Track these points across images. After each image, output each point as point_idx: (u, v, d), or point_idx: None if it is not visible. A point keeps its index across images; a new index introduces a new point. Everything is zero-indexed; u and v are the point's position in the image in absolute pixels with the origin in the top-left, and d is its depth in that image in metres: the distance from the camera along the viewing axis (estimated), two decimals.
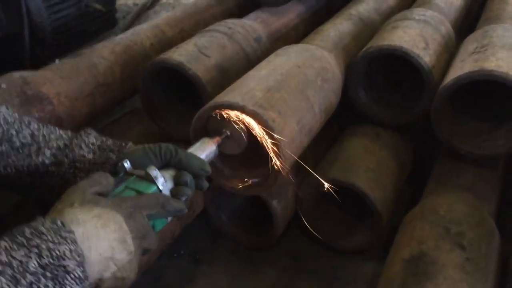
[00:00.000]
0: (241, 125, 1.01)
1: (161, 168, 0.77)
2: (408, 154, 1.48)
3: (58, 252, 0.55)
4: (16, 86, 1.19)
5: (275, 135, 1.03)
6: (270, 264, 1.41)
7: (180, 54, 1.31)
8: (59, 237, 0.56)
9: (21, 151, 0.79)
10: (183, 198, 0.75)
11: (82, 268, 0.56)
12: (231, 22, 1.54)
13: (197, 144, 0.90)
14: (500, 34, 1.38)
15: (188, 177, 0.77)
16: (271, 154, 1.05)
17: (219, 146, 0.93)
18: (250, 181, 1.14)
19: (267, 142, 1.04)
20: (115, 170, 0.76)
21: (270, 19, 1.69)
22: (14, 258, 0.53)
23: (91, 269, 0.58)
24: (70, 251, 0.56)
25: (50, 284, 0.54)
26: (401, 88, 1.51)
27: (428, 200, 1.23)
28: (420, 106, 1.38)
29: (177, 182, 0.76)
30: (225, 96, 1.09)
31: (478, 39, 1.40)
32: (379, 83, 1.50)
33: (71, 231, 0.58)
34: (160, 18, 1.73)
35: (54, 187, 0.80)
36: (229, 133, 1.00)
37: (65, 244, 0.56)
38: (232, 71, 1.39)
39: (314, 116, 1.20)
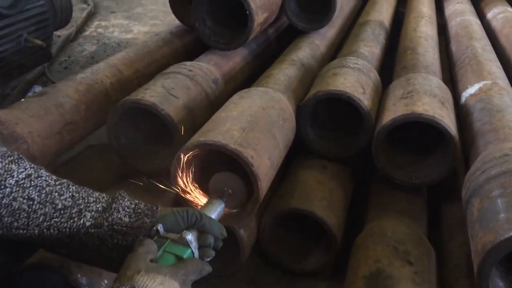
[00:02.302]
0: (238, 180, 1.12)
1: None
2: (350, 183, 1.69)
3: None
4: None
5: (253, 170, 1.17)
6: None
7: (152, 96, 1.40)
8: None
9: (62, 212, 0.86)
10: (208, 259, 0.87)
11: None
12: (190, 64, 1.66)
13: (208, 206, 1.03)
14: (420, 82, 1.65)
15: (212, 240, 0.90)
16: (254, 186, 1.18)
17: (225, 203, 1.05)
18: (230, 212, 1.25)
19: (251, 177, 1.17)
20: (150, 233, 0.86)
21: (221, 62, 1.84)
22: None
23: None
24: None
25: None
26: (341, 125, 1.72)
27: (375, 224, 1.43)
28: (359, 142, 1.60)
29: (202, 244, 0.89)
30: (206, 136, 1.20)
31: (403, 85, 1.67)
32: (324, 122, 1.70)
33: None
34: (115, 58, 1.80)
35: (91, 248, 0.86)
36: (231, 191, 1.11)
37: None
38: (197, 111, 1.51)
39: (280, 152, 1.36)
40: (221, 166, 1.15)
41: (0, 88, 2.38)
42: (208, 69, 1.68)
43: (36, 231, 0.85)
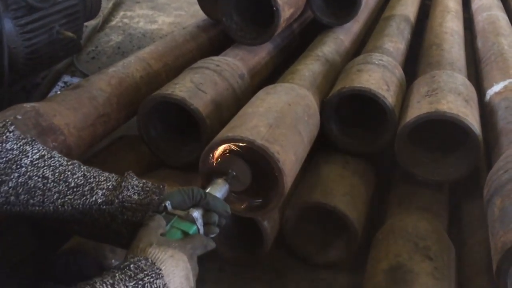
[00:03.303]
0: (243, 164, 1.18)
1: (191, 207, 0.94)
2: (372, 178, 1.72)
3: (155, 285, 0.72)
4: (30, 117, 1.26)
5: (279, 165, 1.21)
6: (257, 280, 1.57)
7: (181, 90, 1.44)
8: (154, 274, 0.72)
9: (75, 190, 0.91)
10: (212, 236, 0.92)
11: None
12: (217, 60, 1.70)
13: (213, 186, 1.08)
14: (445, 80, 1.66)
15: (216, 218, 0.95)
16: (279, 181, 1.22)
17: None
18: (253, 204, 1.30)
19: (274, 171, 1.21)
20: (158, 210, 0.91)
21: (247, 56, 1.87)
22: (125, 287, 0.69)
23: None
24: (163, 285, 0.73)
25: None
26: (365, 121, 1.74)
27: (396, 219, 1.46)
28: (382, 139, 1.63)
29: (207, 221, 0.94)
30: (234, 131, 1.24)
31: (428, 83, 1.68)
32: (347, 117, 1.72)
33: (159, 269, 0.74)
34: (144, 52, 1.85)
35: (102, 224, 0.92)
36: (234, 173, 1.16)
37: (159, 279, 0.73)
38: (224, 106, 1.55)
39: (304, 147, 1.39)
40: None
41: (31, 77, 2.46)
42: (235, 64, 1.72)
43: (51, 208, 0.90)
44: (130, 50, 3.57)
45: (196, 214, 0.91)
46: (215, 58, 1.72)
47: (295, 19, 2.13)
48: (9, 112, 1.26)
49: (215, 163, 1.23)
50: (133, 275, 0.70)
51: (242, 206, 1.31)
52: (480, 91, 1.92)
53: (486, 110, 1.74)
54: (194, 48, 2.04)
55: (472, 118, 1.47)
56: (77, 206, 0.91)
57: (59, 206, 0.90)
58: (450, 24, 2.42)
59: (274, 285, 1.58)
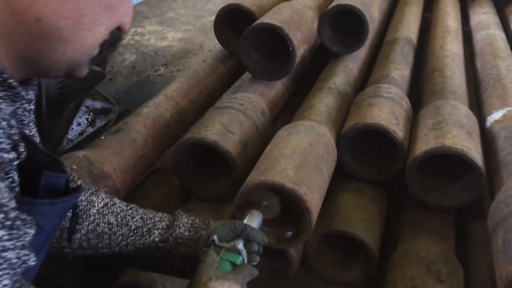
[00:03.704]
0: (274, 195, 1.36)
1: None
2: (384, 204, 1.88)
3: None
4: (84, 166, 1.42)
5: (307, 205, 1.37)
6: None
7: (213, 134, 1.60)
8: None
9: (135, 232, 1.05)
10: (254, 264, 1.06)
11: None
12: (240, 98, 1.85)
13: (249, 217, 1.20)
14: (449, 112, 1.82)
15: (256, 247, 1.07)
16: (306, 219, 1.39)
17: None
18: (283, 237, 1.47)
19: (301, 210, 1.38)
20: (207, 244, 1.03)
21: (265, 91, 2.03)
22: None
23: None
24: None
25: None
26: (376, 150, 1.90)
27: (409, 244, 1.62)
28: (394, 168, 1.79)
29: (249, 251, 1.05)
30: (265, 175, 1.40)
31: (433, 115, 1.83)
32: (360, 148, 1.88)
33: None
34: (171, 90, 2.00)
35: (160, 259, 1.06)
36: (266, 203, 1.33)
37: None
38: (249, 143, 1.71)
39: (326, 184, 1.55)
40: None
41: (60, 107, 2.62)
42: (256, 101, 1.87)
43: (117, 249, 1.03)
44: (144, 69, 3.72)
45: (241, 245, 1.02)
46: (238, 96, 1.87)
47: None
48: (65, 163, 1.42)
49: (246, 195, 1.39)
50: None
51: (273, 239, 1.47)
52: (481, 115, 2.08)
53: (487, 137, 1.89)
54: (214, 81, 2.20)
55: (474, 151, 1.63)
56: (138, 246, 1.04)
57: (123, 247, 1.04)
58: (450, 47, 2.57)
59: None
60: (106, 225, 1.03)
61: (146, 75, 3.69)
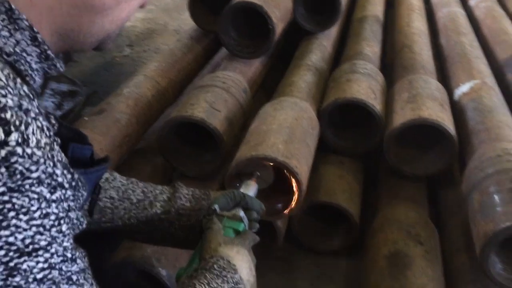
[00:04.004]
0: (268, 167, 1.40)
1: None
2: (362, 174, 1.97)
3: (235, 279, 0.86)
4: None
5: (298, 177, 1.43)
6: (270, 269, 1.80)
7: (199, 111, 1.62)
8: (232, 270, 0.86)
9: (138, 205, 1.05)
10: (254, 231, 1.10)
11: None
12: (222, 76, 1.87)
13: (245, 186, 1.22)
14: (422, 85, 1.92)
15: (255, 215, 1.10)
16: (295, 191, 1.44)
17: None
18: (274, 209, 1.52)
19: (293, 183, 1.43)
20: (208, 213, 1.05)
21: (244, 69, 2.06)
22: (217, 283, 0.82)
23: None
24: (240, 277, 0.87)
25: None
26: (354, 123, 1.97)
27: (389, 210, 1.72)
28: (372, 141, 1.87)
29: (248, 218, 1.07)
30: (256, 150, 1.44)
31: (407, 88, 1.92)
32: (339, 122, 1.95)
33: (234, 265, 0.88)
34: (151, 70, 1.99)
35: (162, 230, 1.07)
36: (259, 174, 1.36)
37: (236, 273, 0.87)
38: (234, 121, 1.74)
39: (312, 157, 1.61)
40: None
41: None
42: (238, 79, 1.90)
43: (120, 223, 1.04)
44: (109, 50, 3.63)
45: (242, 213, 1.04)
46: (220, 74, 1.89)
47: None
48: None
49: (240, 166, 1.43)
50: (219, 274, 0.83)
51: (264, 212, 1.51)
52: (448, 88, 2.19)
53: (456, 108, 2.00)
54: (191, 60, 2.20)
55: (448, 121, 1.73)
56: (141, 219, 1.04)
57: (126, 221, 1.04)
58: (416, 24, 2.68)
59: (285, 272, 1.81)
60: (108, 200, 1.03)
61: (112, 57, 3.62)
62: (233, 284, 0.85)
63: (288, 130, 1.54)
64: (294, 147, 1.49)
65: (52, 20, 0.64)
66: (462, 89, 2.05)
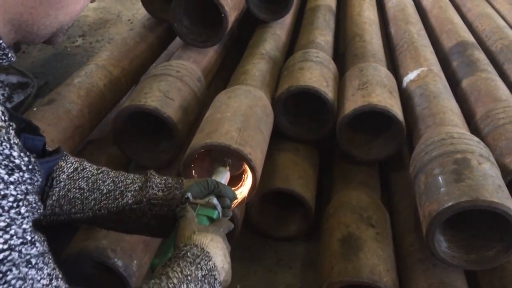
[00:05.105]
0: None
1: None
2: (317, 160, 2.01)
3: (209, 266, 0.86)
4: None
5: (252, 164, 1.45)
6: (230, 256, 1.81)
7: (153, 100, 1.61)
8: (206, 257, 0.87)
9: (108, 196, 1.03)
10: (228, 218, 1.11)
11: (219, 275, 0.91)
12: (176, 65, 1.86)
13: (217, 174, 1.23)
14: (372, 73, 1.97)
15: (228, 202, 1.11)
16: (249, 178, 1.46)
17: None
18: None
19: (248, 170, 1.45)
20: (181, 202, 1.04)
21: (199, 58, 2.05)
22: (190, 271, 0.83)
23: None
24: (214, 264, 0.88)
25: (207, 286, 0.88)
26: (308, 111, 2.01)
27: (341, 195, 1.77)
28: (325, 127, 1.92)
29: (222, 206, 1.08)
30: (210, 138, 1.45)
31: (358, 76, 1.98)
32: (293, 109, 1.99)
33: (208, 252, 0.89)
34: (102, 59, 1.95)
35: (134, 219, 1.05)
36: (230, 161, 1.37)
37: (210, 260, 0.87)
38: (189, 109, 1.74)
39: (266, 144, 1.64)
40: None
41: None
42: (192, 68, 1.89)
43: (90, 214, 1.02)
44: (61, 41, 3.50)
45: (216, 201, 1.05)
46: (174, 63, 1.88)
47: None
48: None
49: (212, 155, 1.43)
50: (192, 261, 0.84)
51: None
52: (397, 76, 2.27)
53: (404, 95, 2.08)
54: (145, 49, 2.17)
55: (396, 108, 1.79)
56: (112, 209, 1.03)
57: (97, 211, 1.02)
58: (367, 14, 2.74)
59: (244, 259, 1.84)
60: (77, 191, 1.01)
61: (63, 47, 3.51)
62: (207, 271, 0.85)
63: (242, 118, 1.55)
64: (248, 134, 1.50)
65: (6, 11, 0.63)
66: (410, 77, 2.12)
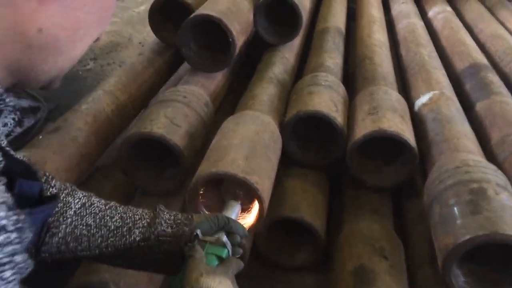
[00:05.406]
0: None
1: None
2: (327, 187, 1.96)
3: None
4: None
5: (259, 194, 1.40)
6: None
7: (159, 127, 1.58)
8: None
9: (115, 232, 1.01)
10: (238, 256, 1.07)
11: None
12: (183, 91, 1.84)
13: (228, 208, 1.20)
14: (382, 97, 1.93)
15: (239, 239, 1.07)
16: (257, 208, 1.42)
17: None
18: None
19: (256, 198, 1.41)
20: (190, 239, 1.01)
21: (206, 83, 2.03)
22: None
23: None
24: None
25: None
26: (317, 135, 1.97)
27: (353, 224, 1.71)
28: (335, 152, 1.87)
29: (231, 243, 1.04)
30: (216, 166, 1.42)
31: (368, 100, 1.93)
32: (301, 134, 1.94)
33: None
34: (110, 84, 1.94)
35: (142, 256, 1.03)
36: (241, 194, 1.33)
37: None
38: (196, 135, 1.71)
39: (274, 171, 1.59)
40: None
41: None
42: (199, 93, 1.87)
43: (97, 251, 0.99)
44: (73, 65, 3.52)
45: (225, 238, 1.00)
46: (181, 88, 1.86)
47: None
48: None
49: (223, 187, 1.40)
50: None
51: None
52: (409, 99, 2.22)
53: (416, 119, 2.03)
54: (152, 73, 2.16)
55: (408, 133, 1.75)
56: (119, 246, 1.00)
57: (104, 249, 0.99)
58: (377, 36, 2.71)
59: None
60: (84, 227, 0.98)
61: (75, 70, 3.52)
62: None
63: (249, 145, 1.52)
64: (255, 162, 1.47)
65: (3, 57, 0.62)
66: (421, 100, 2.08)
